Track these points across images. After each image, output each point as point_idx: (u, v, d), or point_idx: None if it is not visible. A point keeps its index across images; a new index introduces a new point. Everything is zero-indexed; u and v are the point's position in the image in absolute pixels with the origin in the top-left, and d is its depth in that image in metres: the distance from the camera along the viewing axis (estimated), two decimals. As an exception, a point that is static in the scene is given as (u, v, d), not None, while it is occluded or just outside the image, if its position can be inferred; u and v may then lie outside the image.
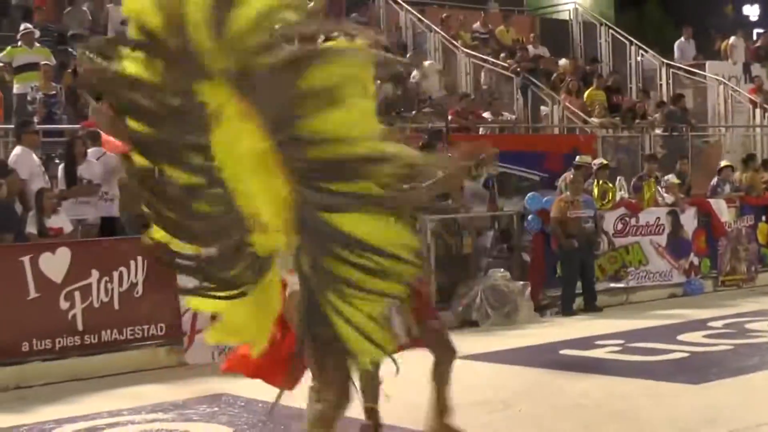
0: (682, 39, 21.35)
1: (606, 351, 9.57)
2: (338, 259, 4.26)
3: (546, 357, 9.40)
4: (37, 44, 13.33)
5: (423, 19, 18.87)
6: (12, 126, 11.29)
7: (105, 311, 9.17)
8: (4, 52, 13.18)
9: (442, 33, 18.33)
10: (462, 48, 17.86)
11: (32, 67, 12.78)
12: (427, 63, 16.58)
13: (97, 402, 7.92)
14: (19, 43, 13.19)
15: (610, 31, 20.95)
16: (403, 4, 19.18)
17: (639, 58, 20.06)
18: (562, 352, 9.69)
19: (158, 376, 8.89)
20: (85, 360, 9.06)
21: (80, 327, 9.05)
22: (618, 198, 13.81)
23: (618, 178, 14.45)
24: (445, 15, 19.42)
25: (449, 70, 17.67)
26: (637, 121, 17.14)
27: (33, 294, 8.88)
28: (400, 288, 4.35)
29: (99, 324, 9.15)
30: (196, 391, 8.11)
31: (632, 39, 20.38)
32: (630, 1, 32.59)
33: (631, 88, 19.50)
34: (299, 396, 7.25)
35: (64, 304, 9.01)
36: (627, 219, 13.56)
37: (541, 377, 8.47)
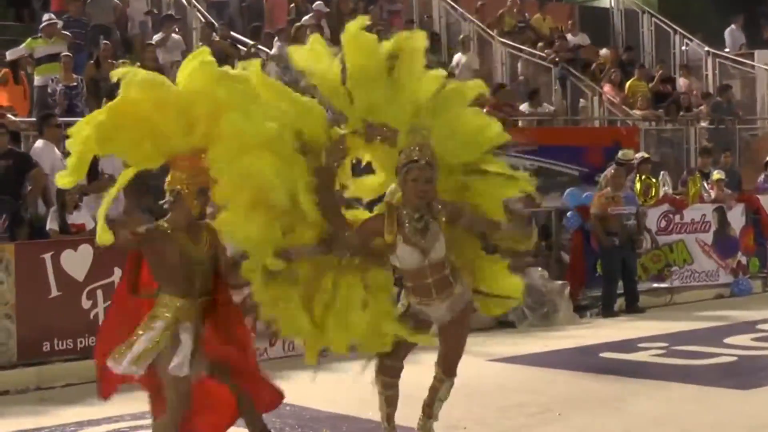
0: (733, 27, 21.10)
1: (649, 354, 9.51)
2: None
3: (586, 360, 9.37)
4: (59, 35, 13.39)
5: (457, 7, 18.81)
6: (33, 119, 11.38)
7: (128, 310, 9.20)
8: (25, 44, 13.25)
9: (477, 22, 18.26)
10: (497, 38, 17.79)
11: (53, 58, 12.87)
12: (468, 54, 16.57)
13: (120, 404, 7.91)
14: (40, 35, 13.28)
15: (653, 19, 20.79)
16: (436, -9, 19.14)
17: (684, 48, 19.89)
18: (602, 355, 9.64)
19: (182, 377, 8.91)
20: (107, 361, 9.11)
21: (103, 326, 9.10)
22: (661, 194, 13.71)
23: (661, 172, 14.32)
24: (480, 3, 19.34)
25: (484, 61, 17.61)
26: (681, 113, 17.01)
27: (54, 292, 8.95)
28: None
29: (122, 324, 9.19)
30: (221, 394, 8.12)
31: (676, 27, 20.20)
32: (674, -13, 32.28)
33: (675, 78, 19.34)
34: (325, 400, 7.29)
35: (86, 303, 9.07)
36: (671, 216, 13.46)
37: (580, 381, 8.43)
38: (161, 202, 5.60)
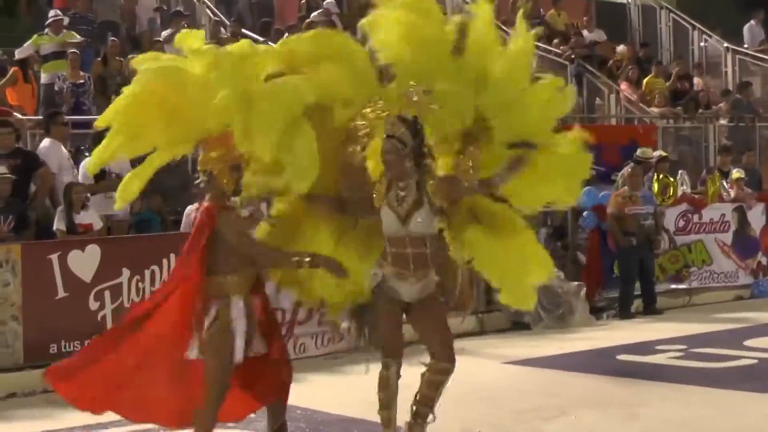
0: (752, 23, 21.02)
1: (667, 357, 9.49)
2: None
3: (602, 363, 9.35)
4: (66, 32, 13.42)
5: (469, 2, 18.75)
6: (40, 117, 11.40)
7: (136, 312, 9.24)
8: (31, 41, 13.25)
9: (491, 17, 18.21)
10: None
11: (59, 55, 12.90)
12: None
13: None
14: (46, 31, 13.30)
15: (671, 14, 20.72)
16: (450, -14, 19.10)
17: (702, 44, 19.83)
18: (619, 357, 9.63)
19: (192, 380, 8.92)
20: (115, 363, 9.13)
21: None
22: (680, 193, 13.68)
23: (680, 171, 14.29)
24: (495, -1, 19.27)
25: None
26: (700, 110, 16.96)
27: (61, 293, 8.96)
28: None
29: (130, 325, 9.21)
30: (231, 397, 8.13)
31: (695, 23, 20.14)
32: (692, -18, 32.20)
33: (693, 75, 19.28)
34: (335, 403, 7.30)
35: (93, 304, 9.08)
36: (689, 215, 13.43)
37: (597, 384, 8.42)
38: (197, 182, 5.70)
